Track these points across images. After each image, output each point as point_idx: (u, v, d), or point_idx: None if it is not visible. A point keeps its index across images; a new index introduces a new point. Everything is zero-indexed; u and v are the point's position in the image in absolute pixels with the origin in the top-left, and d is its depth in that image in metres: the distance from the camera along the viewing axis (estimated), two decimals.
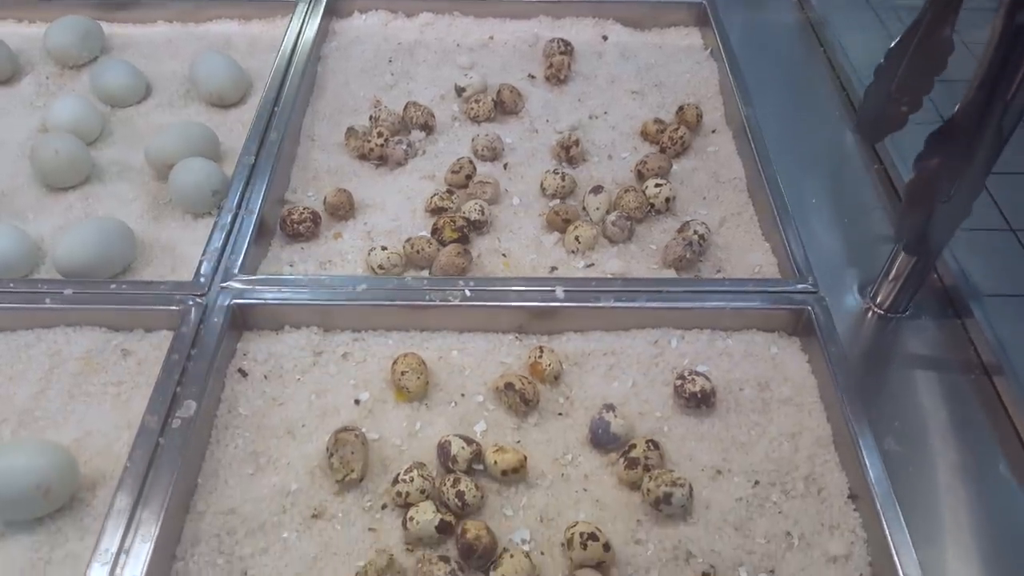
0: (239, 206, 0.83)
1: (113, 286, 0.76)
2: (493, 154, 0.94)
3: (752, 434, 0.70)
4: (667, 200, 0.87)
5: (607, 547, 0.61)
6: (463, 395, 0.72)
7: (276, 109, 0.95)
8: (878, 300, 0.77)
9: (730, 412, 0.72)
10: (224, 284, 0.76)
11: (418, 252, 0.81)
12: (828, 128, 1.02)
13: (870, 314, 0.78)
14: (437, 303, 0.75)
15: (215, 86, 0.99)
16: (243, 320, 0.76)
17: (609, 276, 0.81)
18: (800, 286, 0.77)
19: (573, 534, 0.61)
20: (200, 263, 0.78)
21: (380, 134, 0.93)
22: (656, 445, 0.67)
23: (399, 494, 0.64)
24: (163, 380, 0.68)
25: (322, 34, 1.10)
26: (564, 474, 0.67)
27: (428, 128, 0.97)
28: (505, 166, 0.93)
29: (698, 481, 0.66)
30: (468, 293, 0.76)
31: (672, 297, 0.77)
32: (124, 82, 0.99)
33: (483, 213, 0.85)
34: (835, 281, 0.79)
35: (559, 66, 1.05)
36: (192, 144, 0.89)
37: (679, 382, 0.71)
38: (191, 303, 0.74)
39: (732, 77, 1.02)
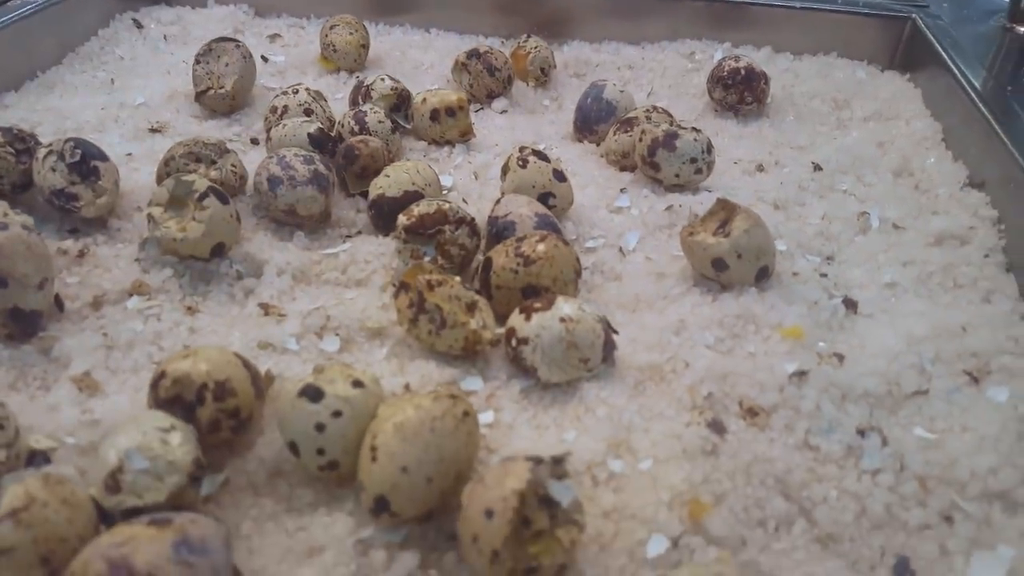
0: None
1: None
2: None
3: (818, 140, 0.47)
4: None
5: (560, 175, 0.38)
6: (413, 82, 0.52)
7: None
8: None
9: (787, 120, 0.49)
10: None
11: None
12: None
13: (1007, 37, 0.54)
14: None
15: None
16: None
17: None
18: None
19: (510, 156, 0.39)
20: None
21: None
22: (667, 111, 0.45)
23: (274, 109, 0.44)
24: None
25: None
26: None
27: None
28: None
29: (728, 174, 0.43)
30: None
31: None
32: None
33: None
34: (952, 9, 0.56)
35: None
36: None
37: (715, 66, 0.49)
38: None
39: None
